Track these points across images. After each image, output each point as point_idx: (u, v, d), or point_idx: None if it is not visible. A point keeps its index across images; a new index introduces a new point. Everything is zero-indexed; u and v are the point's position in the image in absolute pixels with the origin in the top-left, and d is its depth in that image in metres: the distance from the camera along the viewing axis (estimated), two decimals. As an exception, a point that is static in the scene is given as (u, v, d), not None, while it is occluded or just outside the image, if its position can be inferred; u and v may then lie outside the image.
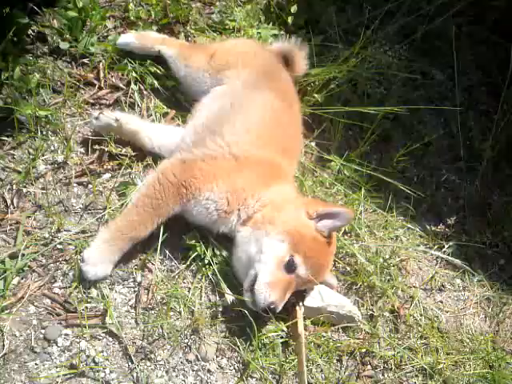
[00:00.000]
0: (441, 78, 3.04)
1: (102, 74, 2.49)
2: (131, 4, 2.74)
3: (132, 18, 2.71)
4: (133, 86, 2.47)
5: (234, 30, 2.77)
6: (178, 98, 2.52)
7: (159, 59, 2.51)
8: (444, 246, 2.40)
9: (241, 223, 1.98)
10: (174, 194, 1.94)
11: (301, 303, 2.01)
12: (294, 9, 2.72)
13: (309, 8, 2.79)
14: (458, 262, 2.42)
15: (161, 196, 1.94)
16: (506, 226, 2.58)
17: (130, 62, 2.51)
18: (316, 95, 2.50)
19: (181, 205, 1.96)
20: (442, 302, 2.31)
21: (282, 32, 2.72)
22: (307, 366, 1.92)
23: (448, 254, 2.39)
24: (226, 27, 2.79)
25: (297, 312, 1.98)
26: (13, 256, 1.95)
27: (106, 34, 2.63)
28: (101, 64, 2.51)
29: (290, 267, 1.87)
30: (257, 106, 2.18)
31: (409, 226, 2.41)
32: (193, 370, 1.88)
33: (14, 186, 2.11)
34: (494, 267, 2.49)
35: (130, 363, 1.84)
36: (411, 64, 2.98)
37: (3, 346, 1.79)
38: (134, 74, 2.49)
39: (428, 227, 2.45)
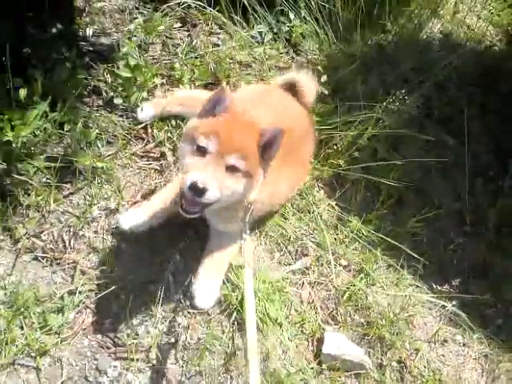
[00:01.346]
0: (452, 144, 3.41)
1: (149, 129, 2.88)
2: (177, 64, 3.15)
3: (177, 76, 3.11)
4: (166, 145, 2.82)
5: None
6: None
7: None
8: (448, 305, 2.74)
9: None
10: None
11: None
12: (323, 78, 3.12)
13: (336, 77, 3.19)
14: (461, 316, 2.74)
15: None
16: (505, 289, 2.92)
17: (170, 122, 2.88)
18: (340, 160, 2.89)
19: None
20: (444, 356, 2.64)
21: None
22: None
23: (451, 312, 2.74)
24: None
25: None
26: (71, 293, 2.31)
27: (153, 91, 3.04)
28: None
29: (199, 150, 1.99)
30: None
31: (417, 284, 2.76)
32: (225, 405, 2.23)
33: (72, 229, 2.48)
34: (493, 326, 2.82)
35: (170, 396, 2.20)
36: (426, 130, 3.36)
37: (62, 373, 2.15)
38: (168, 135, 2.85)
39: (434, 286, 2.80)
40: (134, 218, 2.39)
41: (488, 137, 3.56)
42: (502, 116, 3.65)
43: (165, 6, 3.35)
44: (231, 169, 1.99)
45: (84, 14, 3.31)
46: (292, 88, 2.92)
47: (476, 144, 3.48)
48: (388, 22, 3.81)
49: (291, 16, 3.52)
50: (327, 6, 3.45)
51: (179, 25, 3.44)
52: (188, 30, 3.41)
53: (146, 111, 2.84)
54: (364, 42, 3.63)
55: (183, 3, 3.34)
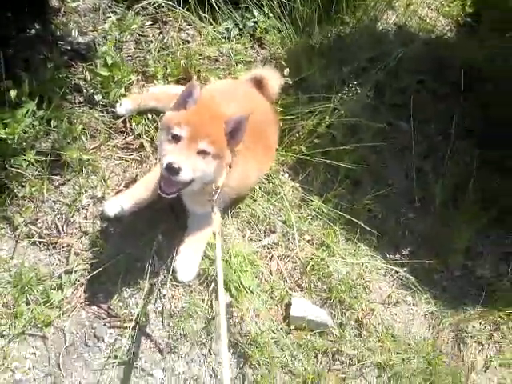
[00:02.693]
0: (405, 128, 3.89)
1: (128, 123, 3.25)
2: (150, 61, 3.51)
3: (151, 72, 3.48)
4: (144, 137, 3.18)
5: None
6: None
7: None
8: (400, 270, 3.24)
9: None
10: None
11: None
12: (286, 71, 3.53)
13: (297, 70, 3.61)
14: (411, 280, 3.24)
15: None
16: (450, 255, 3.43)
17: (146, 116, 3.23)
18: (301, 147, 3.34)
19: None
20: (395, 315, 3.13)
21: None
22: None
23: (403, 277, 3.24)
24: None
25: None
26: (67, 272, 2.71)
27: (130, 87, 3.41)
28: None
29: (174, 138, 2.38)
30: None
31: (372, 254, 3.24)
32: (206, 362, 2.67)
33: (64, 216, 2.85)
34: (439, 288, 3.32)
35: (159, 355, 2.63)
36: (380, 115, 3.82)
37: (65, 340, 2.55)
38: (146, 128, 3.19)
39: (388, 255, 3.28)
40: (117, 205, 2.76)
41: (437, 121, 4.05)
42: (450, 101, 4.14)
43: (137, 5, 3.69)
44: (202, 152, 2.40)
45: (60, 14, 3.63)
46: (258, 82, 3.33)
47: (427, 128, 3.98)
48: (346, 15, 4.23)
49: (255, 12, 3.90)
50: (288, 2, 3.86)
51: (150, 23, 3.79)
52: (159, 28, 3.76)
53: (125, 106, 3.18)
54: (323, 35, 4.06)
55: (154, 2, 3.69)
